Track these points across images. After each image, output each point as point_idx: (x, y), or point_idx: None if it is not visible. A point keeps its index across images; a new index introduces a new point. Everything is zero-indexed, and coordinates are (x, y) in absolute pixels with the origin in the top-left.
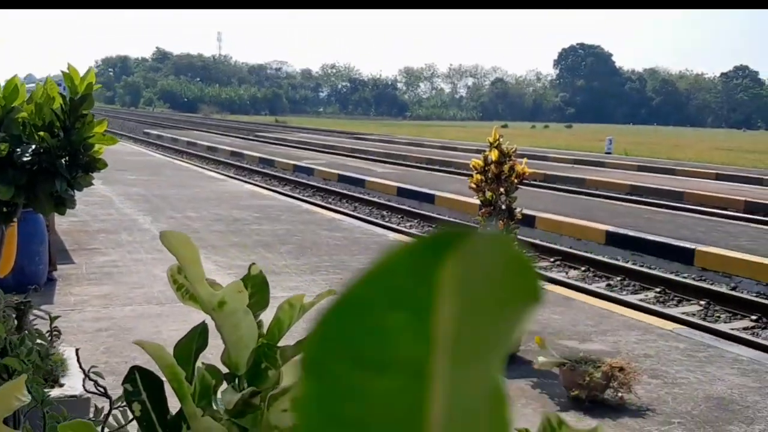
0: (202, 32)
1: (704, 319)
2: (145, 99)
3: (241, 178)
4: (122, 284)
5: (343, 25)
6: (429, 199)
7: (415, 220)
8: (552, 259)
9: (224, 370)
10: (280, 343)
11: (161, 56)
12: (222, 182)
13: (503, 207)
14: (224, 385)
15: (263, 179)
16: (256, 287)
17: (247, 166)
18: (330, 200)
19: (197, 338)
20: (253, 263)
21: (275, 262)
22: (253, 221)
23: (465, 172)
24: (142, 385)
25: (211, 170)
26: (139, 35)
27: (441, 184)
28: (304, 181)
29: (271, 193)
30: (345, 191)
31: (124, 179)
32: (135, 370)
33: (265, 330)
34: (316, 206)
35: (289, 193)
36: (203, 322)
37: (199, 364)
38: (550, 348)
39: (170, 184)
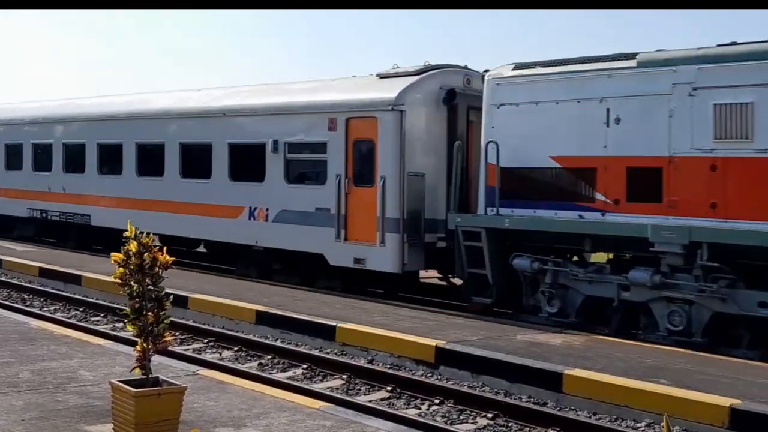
0: None
1: (347, 393)
2: None
3: None
4: None
5: None
6: (76, 279)
7: (61, 303)
8: (206, 341)
9: None
10: None
11: None
12: None
13: (153, 297)
14: None
15: None
16: None
17: None
18: None
19: None
20: None
21: None
22: None
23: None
24: None
25: None
26: None
27: (89, 263)
28: None
29: None
30: None
31: None
32: None
33: None
34: None
35: None
36: None
37: None
38: None
39: None
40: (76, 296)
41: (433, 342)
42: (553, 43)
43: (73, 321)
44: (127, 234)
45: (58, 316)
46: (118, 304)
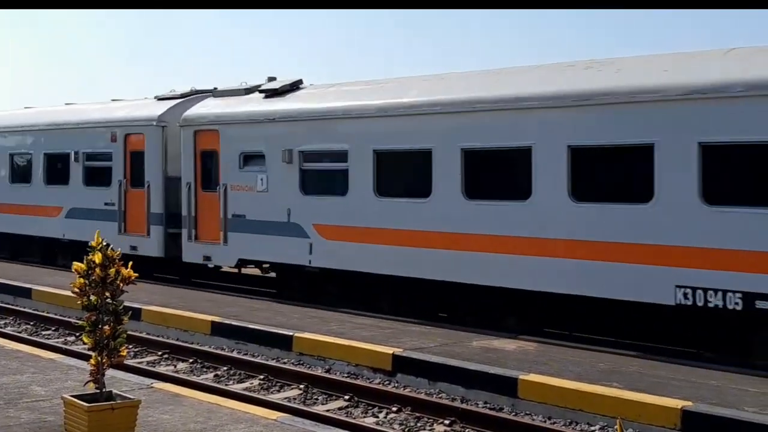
0: None
1: (304, 403)
2: None
3: None
4: None
5: None
6: (25, 293)
7: (11, 317)
8: (160, 353)
9: None
10: None
11: None
12: None
13: (110, 310)
14: None
15: None
16: None
17: None
18: None
19: None
20: None
21: None
22: None
23: (65, 263)
24: None
25: None
26: None
27: (38, 276)
28: None
29: None
30: None
31: None
32: None
33: None
34: None
35: None
36: None
37: None
38: None
39: None
40: (27, 310)
41: (390, 350)
42: None
43: (24, 335)
44: (92, 243)
45: (8, 330)
46: (69, 317)
